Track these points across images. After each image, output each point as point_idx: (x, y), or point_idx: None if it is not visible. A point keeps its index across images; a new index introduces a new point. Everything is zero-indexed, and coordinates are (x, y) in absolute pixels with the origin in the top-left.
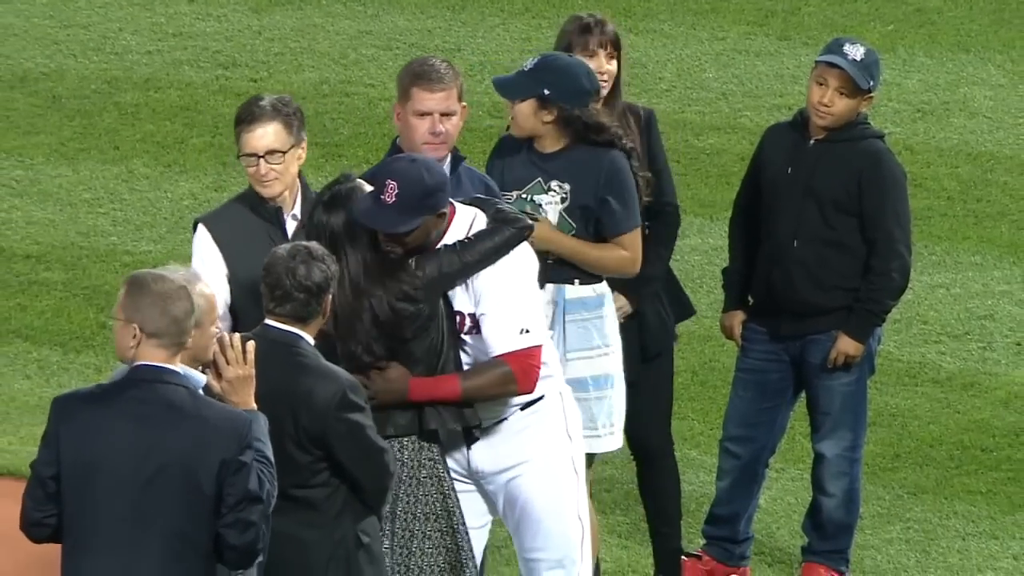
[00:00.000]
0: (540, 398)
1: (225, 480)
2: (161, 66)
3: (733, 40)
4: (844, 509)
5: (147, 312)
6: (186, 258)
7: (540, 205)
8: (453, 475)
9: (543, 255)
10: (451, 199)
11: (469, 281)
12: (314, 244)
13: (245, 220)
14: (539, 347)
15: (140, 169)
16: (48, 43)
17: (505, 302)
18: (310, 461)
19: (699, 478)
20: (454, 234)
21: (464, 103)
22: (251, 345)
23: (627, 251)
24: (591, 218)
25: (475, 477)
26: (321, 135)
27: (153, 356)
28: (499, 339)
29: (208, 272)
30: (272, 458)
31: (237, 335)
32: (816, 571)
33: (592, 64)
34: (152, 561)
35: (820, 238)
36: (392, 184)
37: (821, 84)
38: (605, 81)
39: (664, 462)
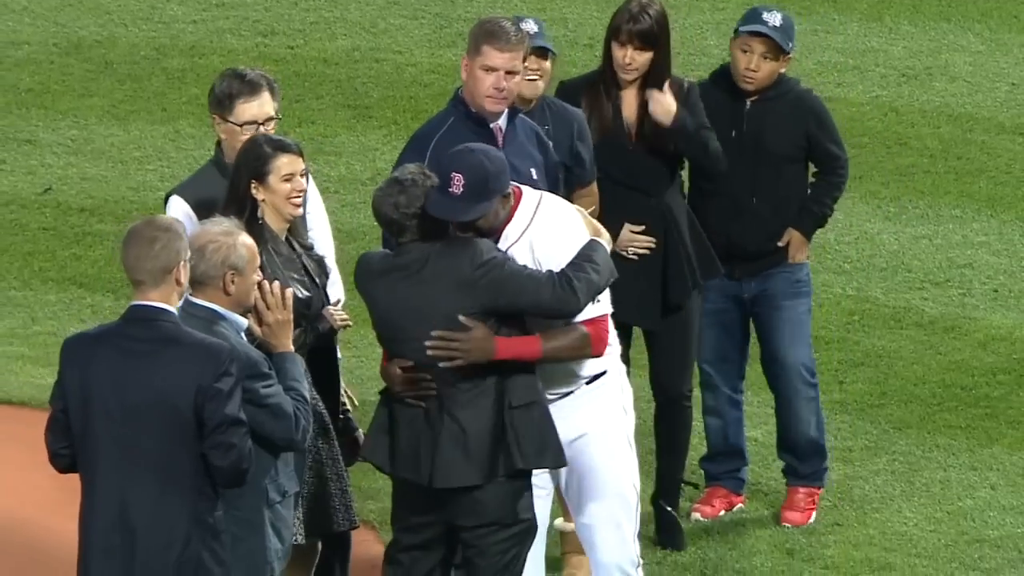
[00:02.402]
0: (603, 373)
1: (204, 406)
2: (205, 34)
3: (732, 10)
4: (816, 430)
5: (133, 258)
6: None
7: None
8: None
9: None
10: (517, 183)
11: (533, 251)
12: (402, 173)
13: (220, 187)
14: (608, 315)
15: (186, 129)
16: (101, 13)
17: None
18: None
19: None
20: (521, 216)
21: (527, 64)
22: (290, 292)
23: (596, 197)
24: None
25: None
26: (353, 98)
27: (144, 296)
28: None
29: None
30: (307, 395)
31: (277, 283)
32: (798, 494)
33: (619, 53)
34: (146, 488)
35: (775, 192)
36: (458, 176)
37: (746, 51)
38: (633, 70)
39: (680, 406)
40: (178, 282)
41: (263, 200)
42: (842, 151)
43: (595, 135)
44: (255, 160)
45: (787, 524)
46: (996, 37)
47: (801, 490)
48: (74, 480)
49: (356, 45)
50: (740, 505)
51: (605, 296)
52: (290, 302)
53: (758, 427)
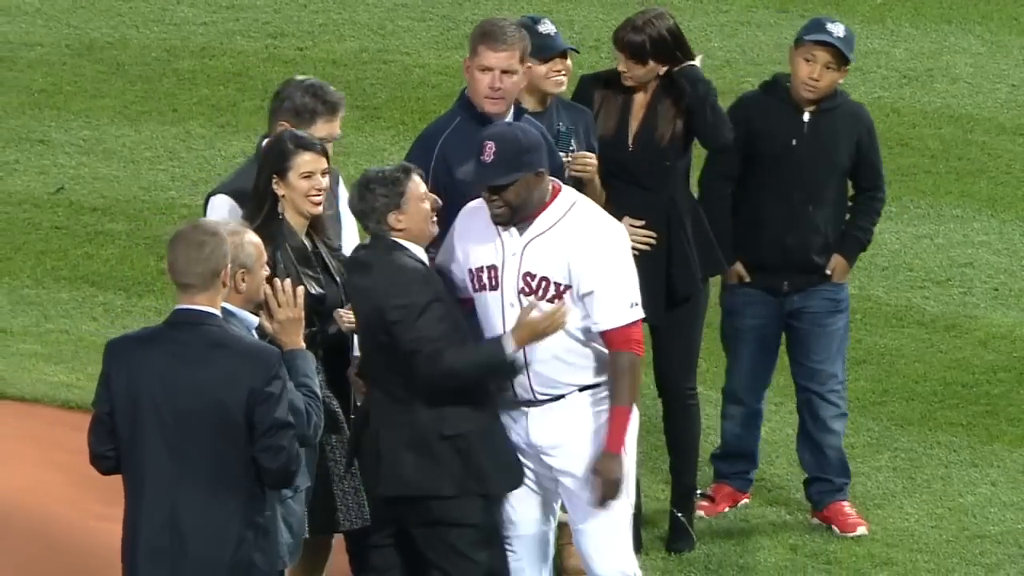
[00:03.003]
0: (599, 384)
1: (254, 409)
2: (215, 36)
3: (736, 12)
4: (841, 447)
5: (182, 262)
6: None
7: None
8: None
9: None
10: (558, 181)
11: (563, 254)
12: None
13: None
14: (641, 320)
15: (196, 130)
16: (112, 15)
17: (614, 279)
18: None
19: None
20: (553, 211)
21: (529, 64)
22: (300, 289)
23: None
24: None
25: (533, 450)
26: (361, 99)
27: (191, 300)
28: (610, 314)
29: None
30: (319, 392)
31: (288, 280)
32: (842, 508)
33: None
34: (195, 491)
35: (830, 202)
36: (490, 144)
37: (809, 61)
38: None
39: (684, 403)
40: (224, 285)
41: (283, 196)
42: (883, 169)
43: (600, 130)
44: (277, 156)
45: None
46: (996, 39)
47: (840, 504)
48: (86, 476)
49: (364, 47)
50: (745, 501)
51: (639, 299)
52: (301, 300)
53: (763, 425)
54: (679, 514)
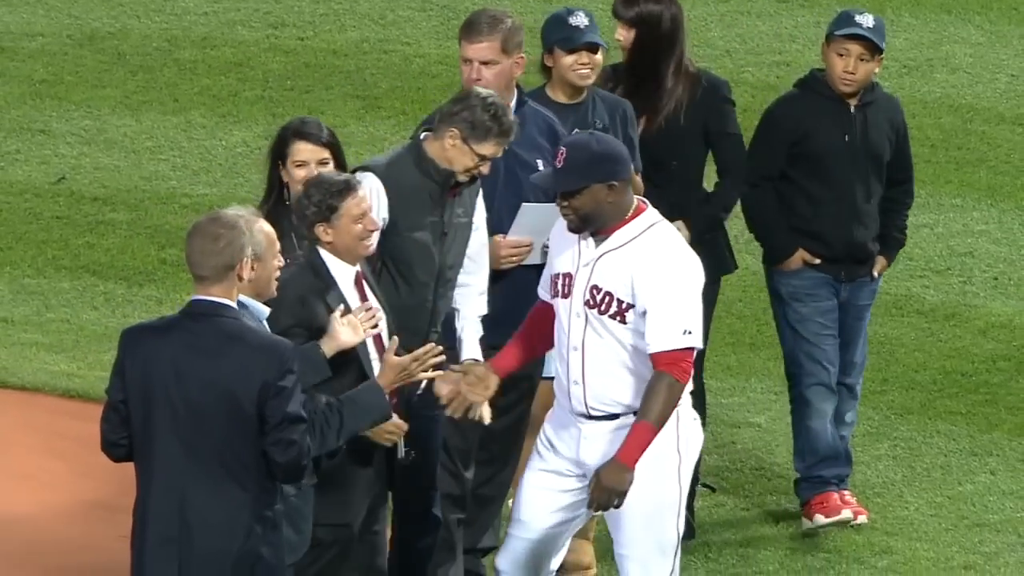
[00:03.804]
0: None
1: (266, 403)
2: (216, 26)
3: (736, 2)
4: (850, 433)
5: (197, 253)
6: (240, 200)
7: None
8: (563, 465)
9: None
10: (647, 201)
11: (630, 272)
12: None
13: (412, 177)
14: (693, 350)
15: (197, 119)
16: (113, 5)
17: (671, 302)
18: None
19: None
20: (631, 229)
21: (521, 54)
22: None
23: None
24: None
25: (581, 468)
26: (362, 88)
27: (206, 291)
28: (661, 336)
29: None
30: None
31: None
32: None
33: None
34: (205, 482)
35: (878, 194)
36: (563, 150)
37: (842, 55)
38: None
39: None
40: (240, 278)
41: (286, 183)
42: (913, 167)
43: None
44: (278, 142)
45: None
46: (996, 29)
47: (844, 493)
48: (88, 464)
49: (365, 36)
50: (863, 518)
51: (697, 330)
52: (371, 327)
53: (762, 413)
54: None
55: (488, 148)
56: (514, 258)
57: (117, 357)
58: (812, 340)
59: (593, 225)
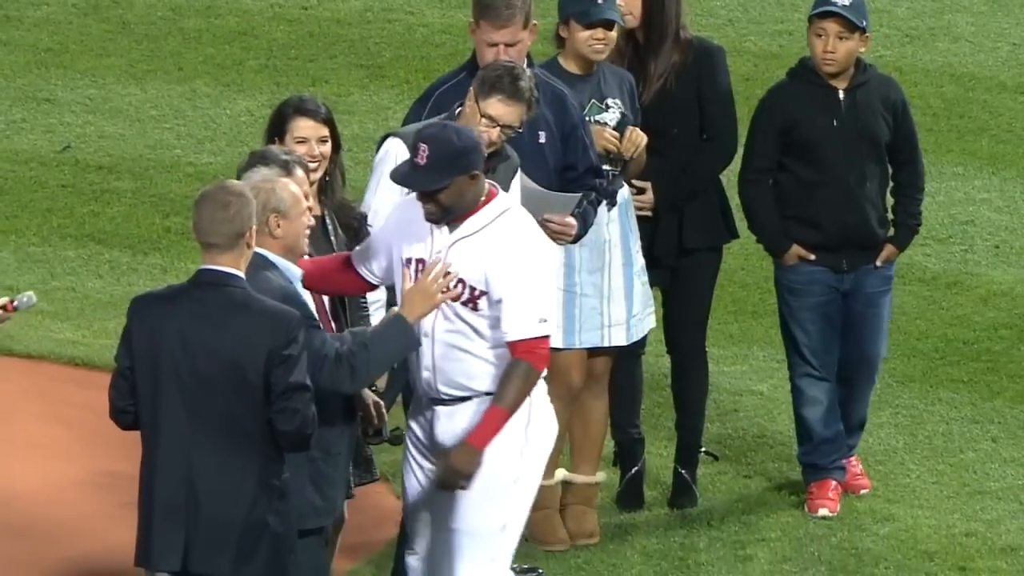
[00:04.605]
0: None
1: (271, 371)
2: None
3: None
4: (865, 412)
5: (207, 221)
6: None
7: (606, 122)
8: (418, 446)
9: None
10: (497, 185)
11: (482, 260)
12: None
13: None
14: (549, 337)
15: (202, 88)
16: None
17: (526, 290)
18: None
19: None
20: (484, 215)
21: (534, 22)
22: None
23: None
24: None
25: (437, 449)
26: (365, 58)
27: (215, 260)
28: (518, 325)
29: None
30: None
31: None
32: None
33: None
34: (211, 451)
35: (877, 176)
36: (424, 147)
37: (820, 35)
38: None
39: (695, 363)
40: (248, 246)
41: None
42: (918, 141)
43: None
44: (277, 118)
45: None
46: None
47: (852, 460)
48: (92, 432)
49: (369, 6)
50: (865, 490)
51: (551, 317)
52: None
53: (764, 381)
54: (683, 470)
55: (493, 107)
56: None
57: (125, 325)
58: (802, 331)
59: (453, 215)
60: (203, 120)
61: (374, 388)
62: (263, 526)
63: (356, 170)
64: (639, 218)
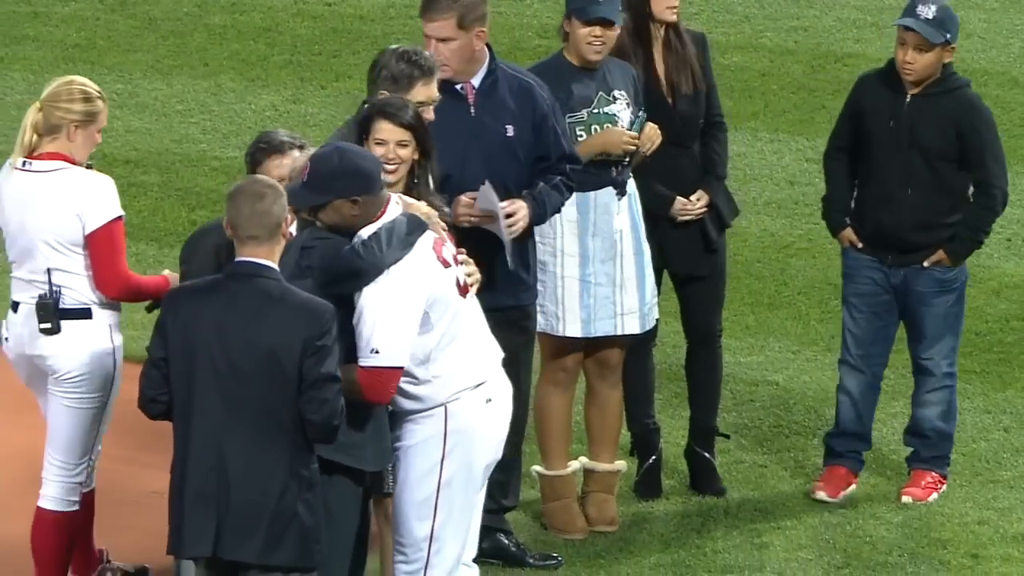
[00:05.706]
0: (422, 411)
1: (304, 362)
2: None
3: None
4: (943, 419)
5: (245, 215)
6: None
7: (615, 114)
8: None
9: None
10: (393, 197)
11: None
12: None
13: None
14: (391, 369)
15: (227, 83)
16: None
17: (367, 319)
18: None
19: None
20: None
21: (482, 28)
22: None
23: None
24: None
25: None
26: None
27: (251, 253)
28: (359, 350)
29: None
30: None
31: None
32: (924, 476)
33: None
34: (244, 438)
35: (927, 184)
36: (307, 166)
37: (902, 44)
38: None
39: (712, 347)
40: (284, 236)
41: None
42: (1000, 169)
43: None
44: (364, 118)
45: (907, 498)
46: None
47: (924, 473)
48: (116, 421)
49: (391, 2)
50: (853, 487)
51: (387, 349)
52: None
53: (780, 372)
54: (703, 451)
55: (419, 93)
56: (473, 218)
57: (160, 316)
58: (850, 316)
59: (343, 234)
60: (228, 115)
61: None
62: (292, 514)
63: None
64: (682, 223)
